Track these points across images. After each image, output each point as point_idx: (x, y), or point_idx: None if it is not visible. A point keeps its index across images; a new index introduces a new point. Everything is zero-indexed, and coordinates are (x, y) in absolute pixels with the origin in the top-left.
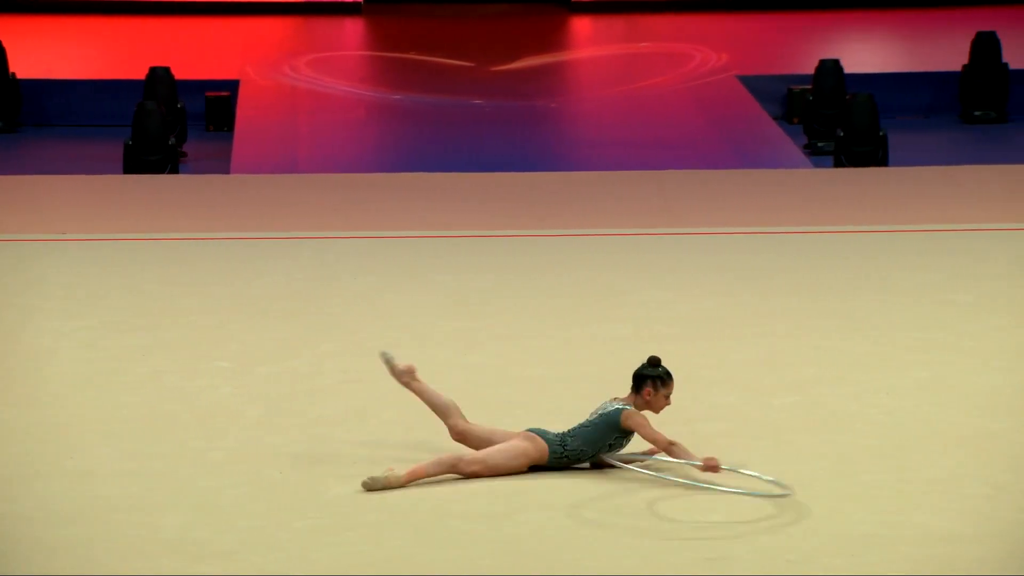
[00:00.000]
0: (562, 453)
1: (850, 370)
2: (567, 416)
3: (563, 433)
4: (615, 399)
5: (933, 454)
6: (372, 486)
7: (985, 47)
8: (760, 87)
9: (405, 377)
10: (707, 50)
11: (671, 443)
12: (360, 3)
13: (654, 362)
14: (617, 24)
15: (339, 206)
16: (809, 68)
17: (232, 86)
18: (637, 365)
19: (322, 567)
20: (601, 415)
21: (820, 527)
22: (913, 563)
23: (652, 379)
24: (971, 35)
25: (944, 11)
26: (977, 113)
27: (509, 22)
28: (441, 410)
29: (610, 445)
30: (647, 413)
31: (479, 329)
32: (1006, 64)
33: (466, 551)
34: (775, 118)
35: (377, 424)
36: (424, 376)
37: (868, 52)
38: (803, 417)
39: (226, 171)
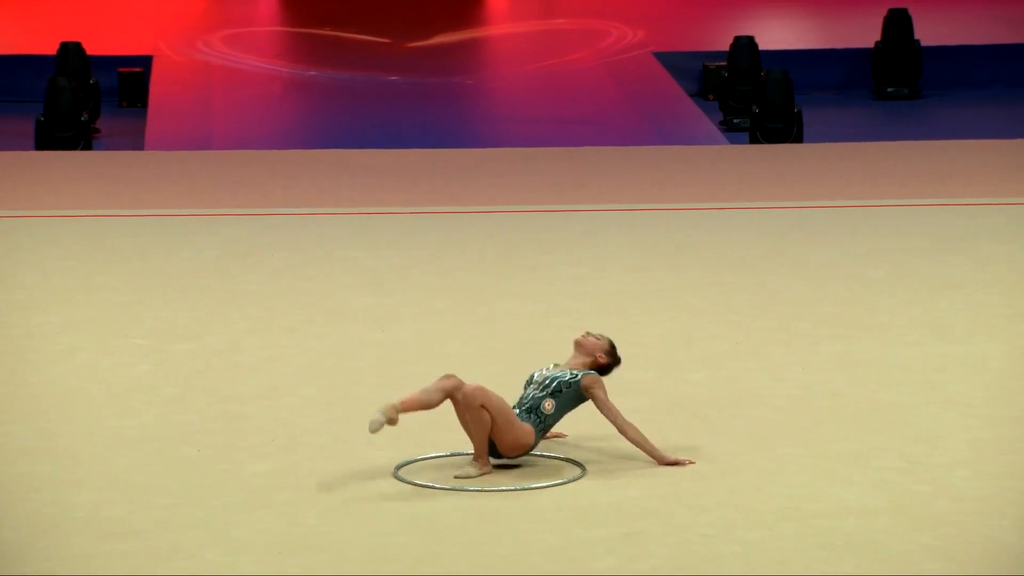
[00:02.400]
0: (540, 428)
1: (763, 345)
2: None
3: (536, 412)
4: (556, 366)
5: (845, 428)
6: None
7: (897, 24)
8: (676, 63)
9: (396, 416)
10: (623, 27)
11: (629, 424)
12: None
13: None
14: (533, 0)
15: (254, 183)
16: (724, 45)
17: (145, 62)
18: (552, 340)
19: (237, 545)
20: (561, 381)
21: (735, 501)
22: (827, 535)
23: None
24: (883, 12)
25: None
26: (890, 90)
27: None
28: (437, 398)
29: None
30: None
31: (395, 305)
32: (918, 41)
33: (382, 529)
34: (691, 94)
35: (294, 401)
36: (340, 353)
37: (782, 29)
38: (717, 392)
39: (140, 147)
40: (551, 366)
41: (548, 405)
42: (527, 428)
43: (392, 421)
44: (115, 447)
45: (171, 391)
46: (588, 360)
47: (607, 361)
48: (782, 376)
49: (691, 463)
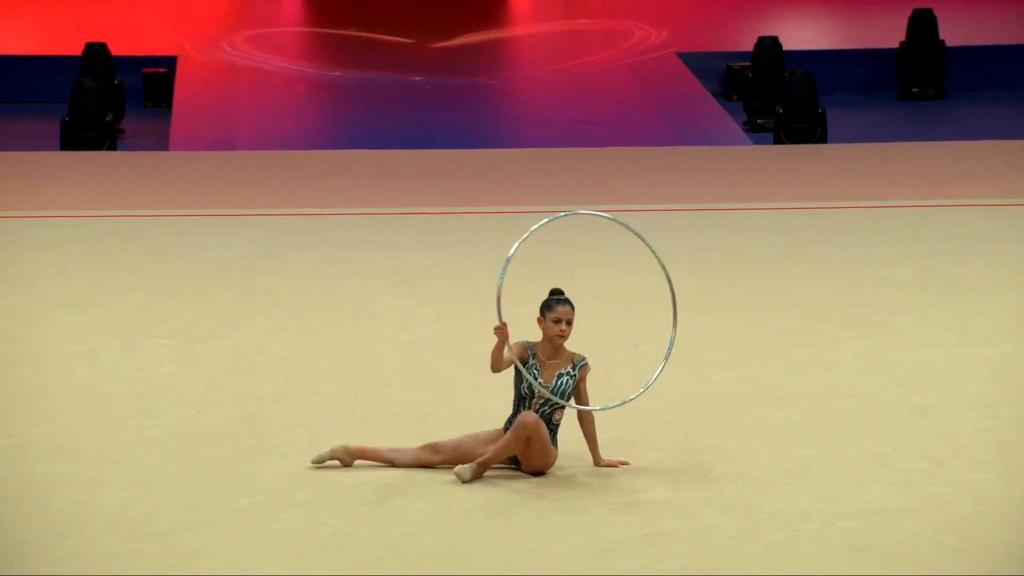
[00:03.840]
0: (547, 399)
1: (787, 346)
2: (509, 392)
3: (550, 423)
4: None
5: (869, 429)
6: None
7: (922, 24)
8: (699, 64)
9: (348, 457)
10: (646, 27)
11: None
12: None
13: (554, 292)
14: (556, 1)
15: (278, 183)
16: (748, 45)
17: (170, 62)
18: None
19: (260, 545)
20: (568, 385)
21: (758, 502)
22: (851, 536)
23: (542, 306)
24: (908, 12)
25: None
26: (914, 90)
27: None
28: (404, 460)
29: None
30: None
31: (418, 306)
32: (943, 41)
33: (405, 529)
34: (714, 95)
35: (317, 401)
36: (364, 353)
37: (806, 29)
38: (741, 393)
39: (164, 148)
40: (531, 358)
41: (559, 416)
42: (555, 453)
43: (344, 462)
44: (139, 447)
45: (195, 391)
46: (561, 350)
47: (540, 316)
48: (805, 377)
49: (626, 464)
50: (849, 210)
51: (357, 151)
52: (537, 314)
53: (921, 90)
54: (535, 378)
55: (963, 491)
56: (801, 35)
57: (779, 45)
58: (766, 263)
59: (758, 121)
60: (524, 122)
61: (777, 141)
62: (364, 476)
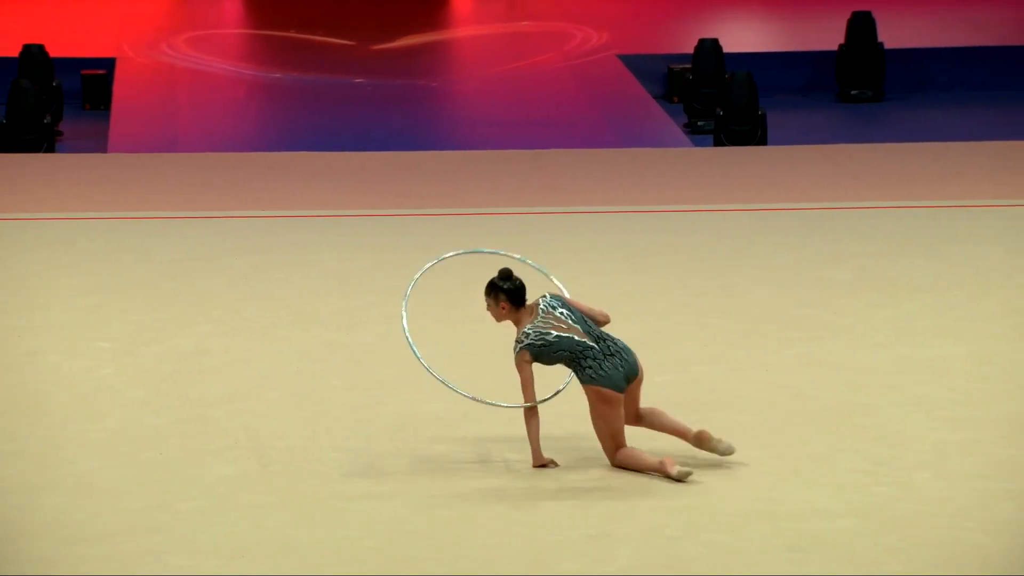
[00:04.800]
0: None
1: (729, 348)
2: (455, 396)
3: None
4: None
5: (812, 430)
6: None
7: (861, 27)
8: (640, 66)
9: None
10: (588, 29)
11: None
12: None
13: (503, 274)
14: (498, 3)
15: (219, 185)
16: (688, 47)
17: (109, 64)
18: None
19: (203, 549)
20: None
21: (701, 503)
22: (793, 537)
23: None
24: (847, 15)
25: None
26: (853, 92)
27: (390, 0)
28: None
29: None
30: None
31: (363, 308)
32: (881, 44)
33: (349, 532)
34: (655, 97)
35: (260, 404)
36: (307, 356)
37: (746, 32)
38: (685, 394)
39: (103, 150)
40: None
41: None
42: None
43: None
44: (81, 451)
45: (137, 394)
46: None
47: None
48: (749, 378)
49: (556, 465)
50: (790, 212)
51: (299, 153)
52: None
53: (860, 92)
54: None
55: (905, 492)
56: (741, 37)
57: (719, 47)
58: (709, 265)
59: (698, 123)
60: (466, 124)
61: (717, 143)
62: (306, 479)
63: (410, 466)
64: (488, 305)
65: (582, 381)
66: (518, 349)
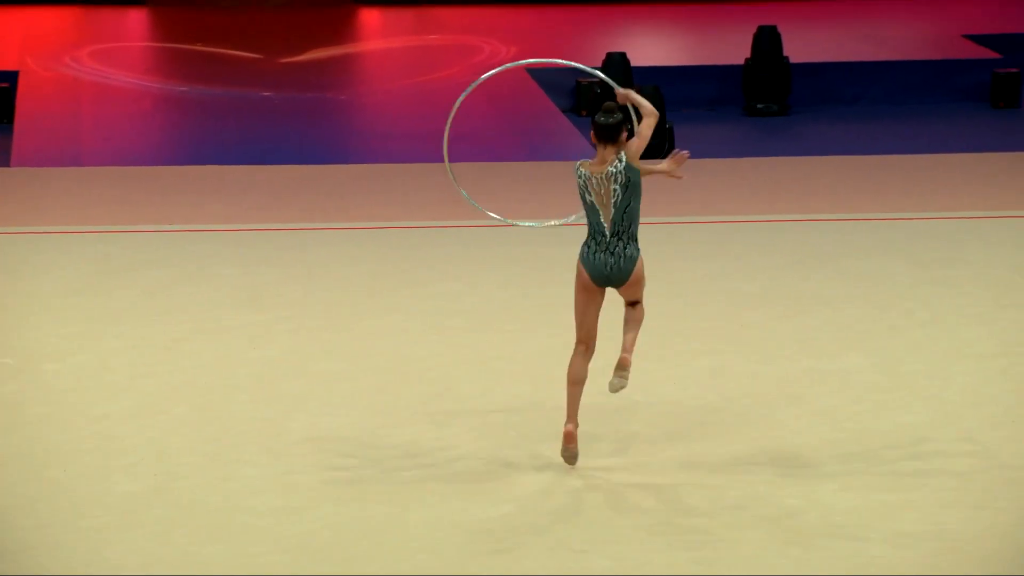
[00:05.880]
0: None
1: (638, 360)
2: (362, 410)
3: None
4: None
5: (718, 442)
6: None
7: (767, 41)
8: (549, 80)
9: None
10: (496, 42)
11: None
12: None
13: (609, 108)
14: (406, 16)
15: (124, 200)
16: (597, 61)
17: (11, 77)
18: (426, 357)
19: (107, 566)
20: (617, 188)
21: (606, 516)
22: (698, 549)
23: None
24: (753, 29)
25: (726, 5)
26: (760, 106)
27: (297, 13)
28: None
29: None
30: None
31: (270, 323)
32: (787, 58)
33: (254, 548)
34: (564, 110)
35: (166, 419)
36: (213, 371)
37: (654, 46)
38: (592, 407)
39: (6, 164)
40: (582, 173)
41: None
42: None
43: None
44: None
45: (40, 411)
46: (613, 146)
47: (623, 123)
48: (656, 391)
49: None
50: (698, 225)
51: (205, 167)
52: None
53: (766, 106)
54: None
55: (810, 503)
56: (649, 51)
57: (627, 61)
58: None
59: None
60: (376, 137)
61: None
62: (213, 495)
63: (318, 481)
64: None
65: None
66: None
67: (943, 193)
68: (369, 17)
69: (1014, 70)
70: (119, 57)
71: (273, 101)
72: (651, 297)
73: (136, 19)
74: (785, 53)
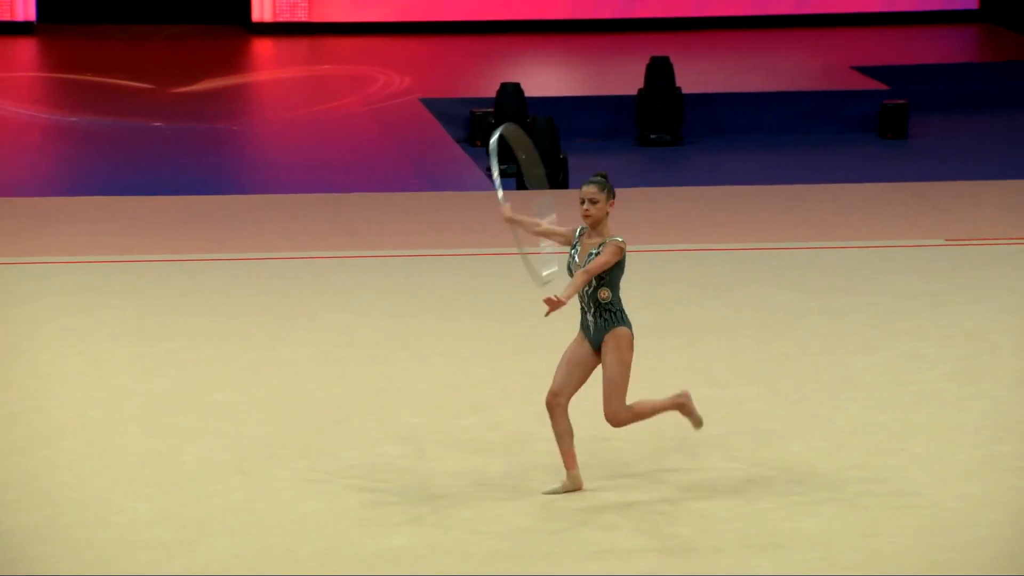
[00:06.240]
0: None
1: (530, 392)
2: (252, 442)
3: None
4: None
5: (610, 472)
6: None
7: (659, 72)
8: (443, 110)
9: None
10: (390, 73)
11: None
12: (32, 23)
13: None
14: (299, 46)
15: (12, 230)
16: (491, 91)
17: None
18: (319, 388)
19: None
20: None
21: (507, 546)
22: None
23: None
24: (646, 60)
25: (619, 36)
26: (653, 136)
27: (189, 44)
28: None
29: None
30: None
31: (161, 354)
32: (679, 89)
33: None
34: (458, 141)
35: (53, 454)
36: (103, 404)
37: (548, 76)
38: (484, 438)
39: None
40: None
41: (604, 294)
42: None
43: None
44: None
45: None
46: (600, 228)
47: (610, 202)
48: (543, 420)
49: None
50: None
51: (96, 198)
52: None
53: (659, 136)
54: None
55: (703, 532)
56: (543, 82)
57: (521, 92)
58: (511, 308)
59: (501, 167)
60: (269, 168)
61: (520, 187)
62: (100, 530)
63: (207, 514)
64: (596, 199)
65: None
66: (619, 241)
67: (832, 223)
68: (262, 47)
69: (902, 101)
70: (7, 87)
71: (164, 131)
72: (545, 328)
73: (24, 48)
74: (677, 84)
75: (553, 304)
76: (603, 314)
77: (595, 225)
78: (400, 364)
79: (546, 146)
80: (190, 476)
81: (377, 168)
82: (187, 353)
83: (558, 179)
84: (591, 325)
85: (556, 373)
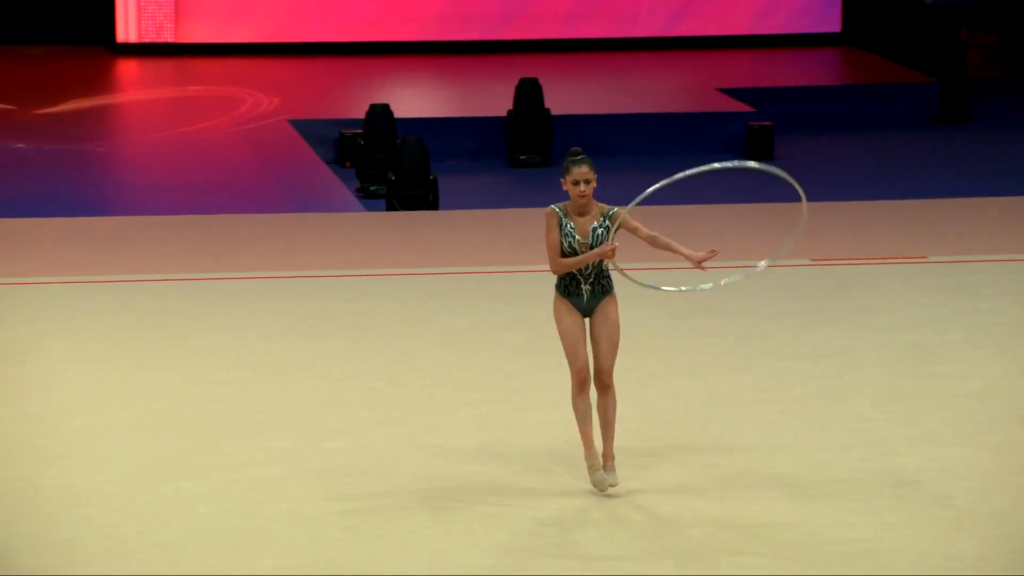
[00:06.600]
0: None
1: (403, 412)
2: (119, 467)
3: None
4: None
5: (485, 491)
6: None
7: (528, 93)
8: (312, 131)
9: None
10: (258, 94)
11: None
12: None
13: (571, 153)
14: (166, 67)
15: None
16: (360, 112)
17: None
18: (190, 412)
19: None
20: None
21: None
22: None
23: (563, 168)
24: (515, 82)
25: (488, 58)
26: (522, 157)
27: (52, 64)
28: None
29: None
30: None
31: (24, 378)
32: (548, 110)
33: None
34: (327, 162)
35: None
36: None
37: (417, 98)
38: (354, 461)
39: None
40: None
41: (606, 261)
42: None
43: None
44: None
45: None
46: (591, 206)
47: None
48: (421, 442)
49: (717, 252)
50: (462, 275)
51: None
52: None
53: (529, 157)
54: (574, 236)
55: (570, 558)
56: (412, 103)
57: (391, 113)
58: (382, 329)
59: (371, 188)
60: (136, 189)
61: (390, 208)
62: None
63: (71, 539)
64: (590, 179)
65: None
66: (616, 210)
67: (698, 244)
68: (127, 68)
69: (767, 123)
70: None
71: (27, 153)
72: (419, 348)
73: None
74: (546, 105)
75: (611, 250)
76: (600, 281)
77: (588, 202)
78: (270, 384)
79: (416, 167)
80: (53, 501)
81: (246, 189)
82: (54, 377)
83: (428, 200)
84: (586, 293)
85: (576, 354)
